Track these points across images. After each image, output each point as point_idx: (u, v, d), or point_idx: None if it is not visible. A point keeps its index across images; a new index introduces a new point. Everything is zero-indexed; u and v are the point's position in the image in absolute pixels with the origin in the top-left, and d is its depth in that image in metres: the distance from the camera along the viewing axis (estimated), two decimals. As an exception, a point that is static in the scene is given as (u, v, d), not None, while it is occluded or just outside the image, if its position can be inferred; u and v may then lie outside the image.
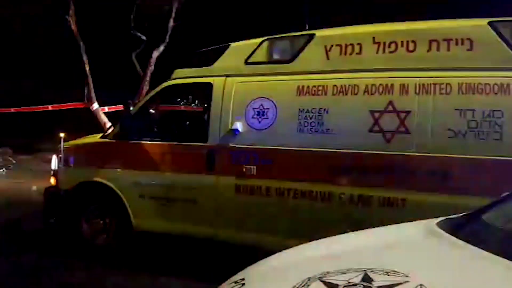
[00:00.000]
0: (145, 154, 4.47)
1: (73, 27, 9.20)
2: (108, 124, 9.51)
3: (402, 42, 3.58)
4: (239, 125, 3.99)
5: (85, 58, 9.43)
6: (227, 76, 4.18)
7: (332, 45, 3.77)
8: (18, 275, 4.23)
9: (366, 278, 1.48)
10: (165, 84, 4.59)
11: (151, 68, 9.71)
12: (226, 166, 4.07)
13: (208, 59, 4.37)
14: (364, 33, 3.76)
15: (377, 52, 3.65)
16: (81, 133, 5.23)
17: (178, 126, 4.63)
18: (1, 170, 9.09)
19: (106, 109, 10.02)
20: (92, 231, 4.79)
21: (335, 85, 3.67)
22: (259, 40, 4.15)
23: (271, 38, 4.12)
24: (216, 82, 4.22)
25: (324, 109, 3.66)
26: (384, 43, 3.63)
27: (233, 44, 4.32)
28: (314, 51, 3.86)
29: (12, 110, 10.48)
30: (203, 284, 3.91)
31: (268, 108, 3.90)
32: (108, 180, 4.63)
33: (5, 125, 15.53)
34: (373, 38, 3.67)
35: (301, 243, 3.11)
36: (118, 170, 4.61)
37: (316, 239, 2.26)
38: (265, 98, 3.92)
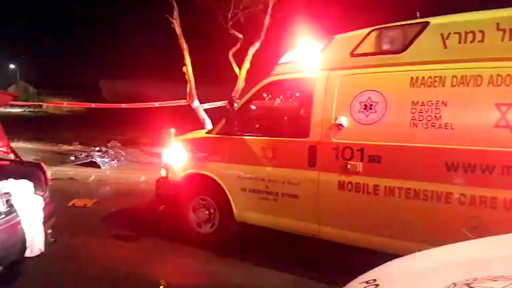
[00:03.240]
0: (247, 148, 4.58)
1: (177, 29, 9.75)
2: (207, 120, 9.96)
3: None
4: (343, 120, 3.89)
5: (187, 58, 9.93)
6: (331, 69, 4.09)
7: (449, 33, 3.48)
8: (134, 258, 4.65)
9: (525, 288, 1.33)
10: (267, 80, 4.64)
11: (246, 65, 9.91)
12: (329, 162, 3.99)
13: (311, 53, 4.32)
14: (487, 19, 3.40)
15: (502, 40, 3.27)
16: (179, 128, 5.51)
17: (280, 121, 4.67)
18: (113, 161, 10.00)
19: (205, 106, 10.46)
20: (198, 220, 5.06)
21: (454, 76, 3.38)
22: (366, 30, 3.98)
23: (380, 28, 3.93)
24: (319, 76, 4.16)
25: (442, 102, 3.39)
26: (511, 30, 3.25)
27: (337, 36, 4.21)
28: (429, 40, 3.59)
29: (124, 106, 11.48)
30: (313, 282, 3.97)
31: (376, 102, 3.73)
32: (212, 172, 4.85)
33: (114, 120, 17.25)
34: (497, 24, 3.30)
35: (413, 246, 2.94)
36: (222, 163, 4.80)
37: (431, 242, 2.10)
38: (373, 91, 3.76)
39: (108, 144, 11.64)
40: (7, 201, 3.79)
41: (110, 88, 38.34)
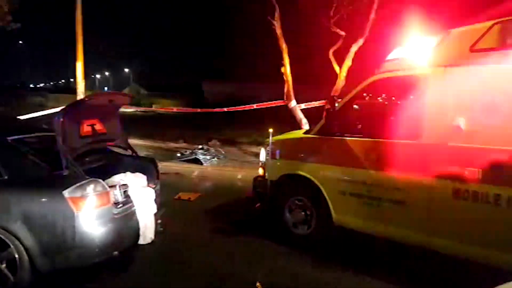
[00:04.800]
0: (349, 150, 4.41)
1: (278, 30, 9.84)
2: (304, 120, 9.89)
3: None
4: (461, 121, 3.52)
5: (286, 58, 9.97)
6: (447, 66, 3.73)
7: None
8: (231, 252, 4.78)
9: None
10: (373, 78, 4.40)
11: (348, 63, 9.57)
12: (442, 167, 3.65)
13: (423, 49, 4.00)
14: None
15: None
16: (275, 128, 5.48)
17: (386, 122, 4.39)
18: (213, 159, 10.52)
19: (303, 106, 10.37)
20: (294, 221, 5.02)
21: None
22: (487, 23, 3.56)
23: (504, 20, 3.48)
24: (433, 73, 3.82)
25: None
26: None
27: (453, 30, 3.83)
28: None
29: (225, 109, 12.00)
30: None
31: (501, 102, 3.30)
32: (310, 174, 4.77)
33: (215, 120, 18.13)
34: None
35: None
36: (321, 165, 4.69)
37: None
38: (498, 89, 3.34)
39: (209, 143, 12.27)
40: (125, 192, 4.17)
41: (212, 89, 40.45)
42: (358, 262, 4.42)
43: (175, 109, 16.51)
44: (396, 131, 4.09)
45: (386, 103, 4.65)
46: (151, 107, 19.18)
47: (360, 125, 4.60)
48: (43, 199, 3.60)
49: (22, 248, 3.52)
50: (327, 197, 4.63)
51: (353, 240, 4.77)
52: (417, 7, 6.72)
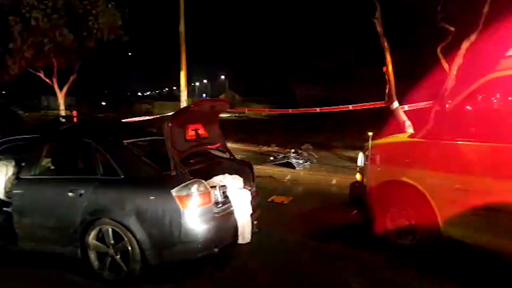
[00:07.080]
0: (461, 155, 4.02)
1: (379, 28, 9.41)
2: (408, 123, 9.26)
3: None
4: None
5: (388, 57, 9.49)
6: None
7: None
8: (326, 261, 4.66)
9: None
10: (488, 76, 3.96)
11: (459, 60, 8.73)
12: None
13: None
14: None
15: None
16: (371, 131, 5.19)
17: (504, 125, 3.91)
18: (306, 163, 10.39)
19: (406, 107, 9.74)
20: (396, 231, 4.71)
21: None
22: None
23: None
24: None
25: None
26: None
27: None
28: None
29: (318, 110, 11.90)
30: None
31: None
32: (415, 181, 4.44)
33: (307, 124, 18.06)
34: None
35: None
36: (428, 171, 4.34)
37: None
38: None
39: (302, 147, 12.17)
40: (224, 192, 4.34)
41: (304, 93, 40.33)
42: (464, 277, 4.03)
43: (267, 110, 16.93)
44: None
45: (504, 104, 4.12)
46: (245, 111, 20.00)
47: (475, 128, 4.15)
48: (154, 197, 3.91)
49: (134, 241, 3.85)
50: (434, 206, 4.27)
51: (462, 253, 4.34)
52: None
